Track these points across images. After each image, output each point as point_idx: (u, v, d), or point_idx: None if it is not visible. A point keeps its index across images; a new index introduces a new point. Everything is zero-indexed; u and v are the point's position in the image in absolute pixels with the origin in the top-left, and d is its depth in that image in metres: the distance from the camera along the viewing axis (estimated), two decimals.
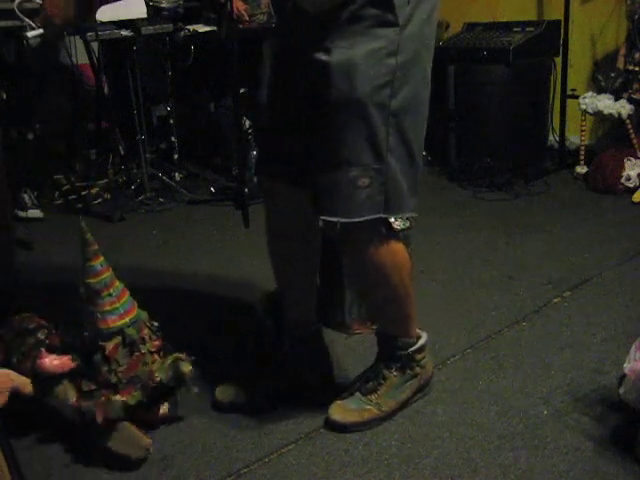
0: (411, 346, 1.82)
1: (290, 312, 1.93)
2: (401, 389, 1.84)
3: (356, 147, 1.55)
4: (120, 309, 1.72)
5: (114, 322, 1.71)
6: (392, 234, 1.67)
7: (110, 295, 1.71)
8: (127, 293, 1.77)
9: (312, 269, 1.93)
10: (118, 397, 1.69)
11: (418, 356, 1.85)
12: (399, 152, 1.59)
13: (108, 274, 1.72)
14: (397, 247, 1.71)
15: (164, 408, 1.84)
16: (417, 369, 1.86)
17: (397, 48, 1.52)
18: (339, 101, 1.53)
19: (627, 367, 1.75)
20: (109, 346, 1.70)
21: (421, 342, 1.85)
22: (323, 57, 1.52)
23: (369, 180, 1.56)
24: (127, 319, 1.73)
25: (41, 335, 1.87)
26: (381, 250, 1.67)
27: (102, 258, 1.71)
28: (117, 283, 1.74)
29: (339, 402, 1.83)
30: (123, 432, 1.71)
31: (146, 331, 1.79)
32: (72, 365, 1.73)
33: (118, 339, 1.71)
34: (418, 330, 1.87)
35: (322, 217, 1.61)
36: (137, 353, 1.74)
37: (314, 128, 1.60)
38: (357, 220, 1.59)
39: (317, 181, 1.62)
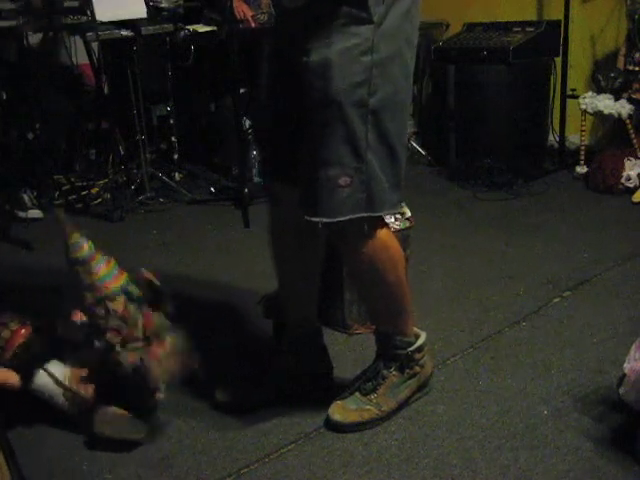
0: (410, 345, 1.82)
1: (291, 312, 1.93)
2: (400, 388, 1.84)
3: (335, 146, 1.55)
4: (114, 270, 1.76)
5: (114, 283, 1.74)
6: (382, 229, 1.68)
7: (101, 259, 1.75)
8: (112, 261, 1.80)
9: (313, 269, 1.93)
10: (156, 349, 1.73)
11: (417, 355, 1.84)
12: (380, 150, 1.58)
13: (91, 245, 1.76)
14: (390, 242, 1.71)
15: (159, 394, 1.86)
16: (416, 368, 1.86)
17: (372, 46, 1.52)
18: (316, 101, 1.54)
19: (627, 367, 1.75)
20: (118, 307, 1.72)
21: (420, 342, 1.85)
22: (302, 57, 1.53)
23: (350, 179, 1.57)
24: (123, 279, 1.77)
25: (14, 326, 1.86)
26: (373, 246, 1.67)
27: (79, 233, 1.76)
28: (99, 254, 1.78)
29: (339, 402, 1.83)
30: (115, 418, 1.75)
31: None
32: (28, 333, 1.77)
33: (122, 297, 1.74)
34: (417, 329, 1.87)
35: (306, 217, 1.61)
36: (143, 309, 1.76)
37: (299, 128, 1.61)
38: (340, 220, 1.59)
39: (301, 181, 1.63)
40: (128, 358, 1.70)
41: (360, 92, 1.53)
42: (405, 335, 1.82)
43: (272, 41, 1.73)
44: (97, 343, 1.73)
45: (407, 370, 1.84)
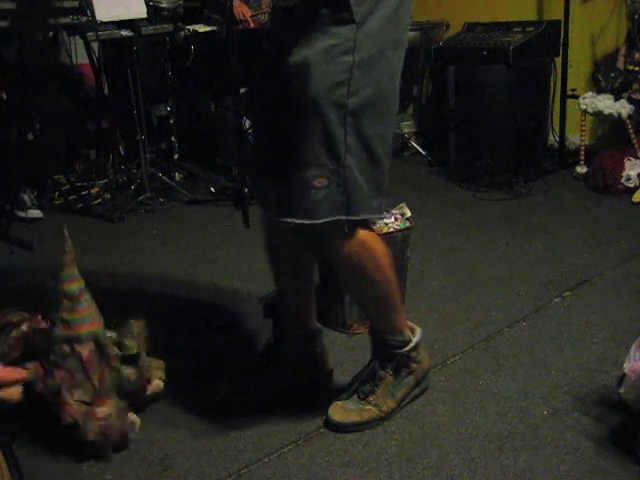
0: (405, 345, 1.81)
1: (290, 312, 1.93)
2: (398, 387, 1.84)
3: (312, 147, 1.54)
4: (93, 314, 1.75)
5: (89, 327, 1.72)
6: (362, 230, 1.65)
7: (87, 300, 1.74)
8: (94, 305, 1.79)
9: (310, 270, 1.92)
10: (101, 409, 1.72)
11: (413, 353, 1.84)
12: (359, 154, 1.56)
13: (82, 281, 1.75)
14: (370, 241, 1.68)
15: (154, 386, 1.87)
16: (413, 365, 1.85)
17: (354, 46, 1.50)
18: (295, 100, 1.53)
19: (627, 367, 1.76)
20: (84, 351, 1.71)
21: (415, 339, 1.83)
22: (286, 56, 1.53)
23: (326, 181, 1.54)
24: (97, 326, 1.75)
25: (25, 327, 1.88)
26: (352, 247, 1.64)
27: (75, 267, 1.75)
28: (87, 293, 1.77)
29: (339, 402, 1.83)
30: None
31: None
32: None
33: (91, 344, 1.72)
34: (412, 324, 1.86)
35: (280, 218, 1.59)
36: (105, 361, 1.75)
37: (281, 127, 1.60)
38: (316, 222, 1.56)
39: (282, 181, 1.61)
40: (68, 411, 1.69)
41: (339, 92, 1.51)
42: (399, 334, 1.81)
43: (265, 40, 1.73)
44: (48, 381, 1.72)
45: (404, 369, 1.83)
